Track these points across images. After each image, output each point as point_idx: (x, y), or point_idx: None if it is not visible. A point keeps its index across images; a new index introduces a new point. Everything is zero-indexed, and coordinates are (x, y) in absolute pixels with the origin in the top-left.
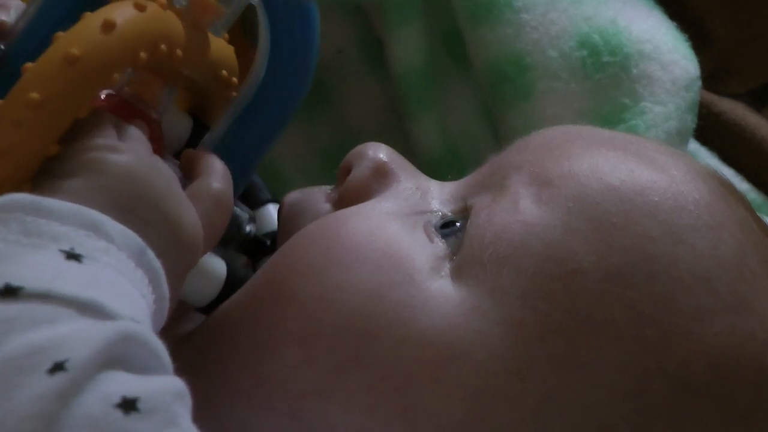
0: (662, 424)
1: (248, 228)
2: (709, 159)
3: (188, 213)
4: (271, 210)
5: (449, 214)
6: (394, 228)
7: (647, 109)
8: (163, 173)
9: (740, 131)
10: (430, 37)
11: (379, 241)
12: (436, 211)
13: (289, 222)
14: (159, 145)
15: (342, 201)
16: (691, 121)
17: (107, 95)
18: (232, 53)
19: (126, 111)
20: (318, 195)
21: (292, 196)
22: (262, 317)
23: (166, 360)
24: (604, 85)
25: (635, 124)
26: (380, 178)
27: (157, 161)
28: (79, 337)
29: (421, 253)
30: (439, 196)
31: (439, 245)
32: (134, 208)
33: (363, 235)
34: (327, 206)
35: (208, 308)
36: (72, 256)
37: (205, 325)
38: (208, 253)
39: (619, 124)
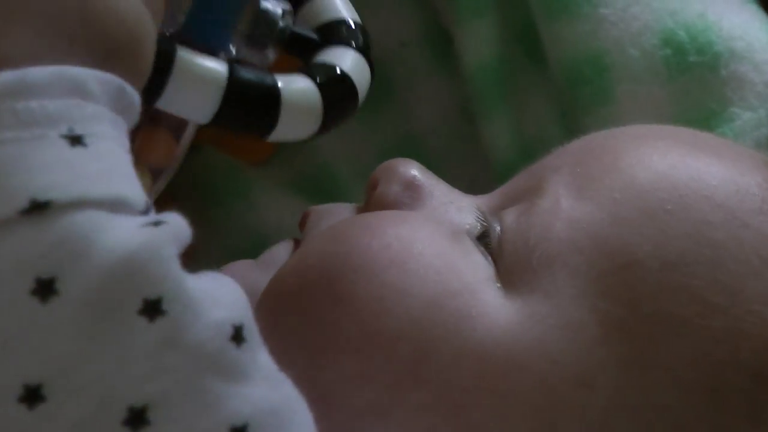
0: (743, 419)
1: (282, 23)
2: None
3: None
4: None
5: (487, 224)
6: (443, 237)
7: (736, 115)
8: None
9: None
10: (504, 30)
11: (437, 247)
12: (474, 224)
13: (314, 227)
14: None
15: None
16: None
17: None
18: None
19: None
20: (345, 208)
21: (317, 207)
22: (318, 316)
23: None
24: (689, 88)
25: (722, 132)
26: (412, 193)
27: None
28: (145, 249)
29: (472, 264)
30: (474, 209)
31: (485, 256)
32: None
33: (421, 239)
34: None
35: (216, 122)
36: (75, 140)
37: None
38: (205, 57)
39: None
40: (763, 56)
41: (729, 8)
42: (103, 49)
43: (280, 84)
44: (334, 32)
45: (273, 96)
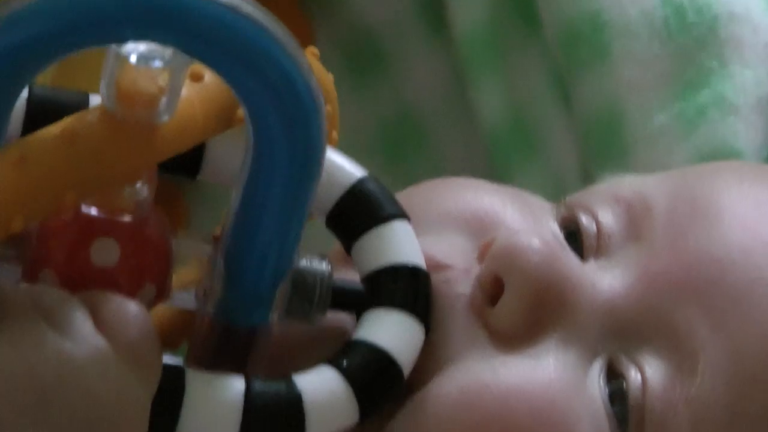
0: None
1: (320, 290)
2: None
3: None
4: (390, 233)
5: (618, 359)
6: (582, 416)
7: (736, 72)
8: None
9: None
10: None
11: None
12: (600, 355)
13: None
14: (148, 249)
15: (495, 332)
16: None
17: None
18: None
19: (90, 228)
20: (465, 300)
21: (436, 280)
22: None
23: None
24: (689, 47)
25: (722, 88)
26: (547, 308)
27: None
28: None
29: None
30: (605, 324)
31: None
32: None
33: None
34: (481, 336)
35: None
36: None
37: None
38: (216, 376)
39: (703, 89)
40: (762, 19)
41: None
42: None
43: (301, 390)
44: (382, 285)
45: (296, 414)
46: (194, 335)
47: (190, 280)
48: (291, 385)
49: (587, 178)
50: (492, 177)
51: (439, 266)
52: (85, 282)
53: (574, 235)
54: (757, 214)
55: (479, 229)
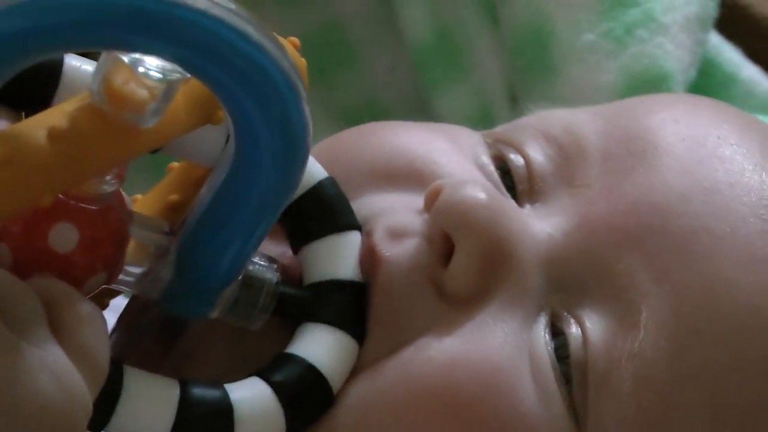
0: None
1: (268, 294)
2: (733, 55)
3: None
4: (341, 245)
5: (560, 315)
6: (526, 379)
7: None
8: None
9: (767, 26)
10: None
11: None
12: (544, 309)
13: (384, 302)
14: (106, 237)
15: (449, 295)
16: (712, 9)
17: None
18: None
19: (53, 211)
20: (418, 268)
21: (389, 256)
22: None
23: None
24: None
25: (651, 7)
26: (495, 268)
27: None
28: None
29: (551, 424)
30: (546, 276)
31: (564, 399)
32: None
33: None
34: (440, 305)
35: None
36: None
37: None
38: (153, 378)
39: (632, 8)
40: None
41: None
42: None
43: (233, 402)
44: (324, 299)
45: (226, 425)
46: (127, 310)
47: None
48: (224, 396)
49: (514, 97)
50: (418, 96)
51: (394, 233)
52: (38, 263)
53: (507, 174)
54: (697, 157)
55: (419, 178)
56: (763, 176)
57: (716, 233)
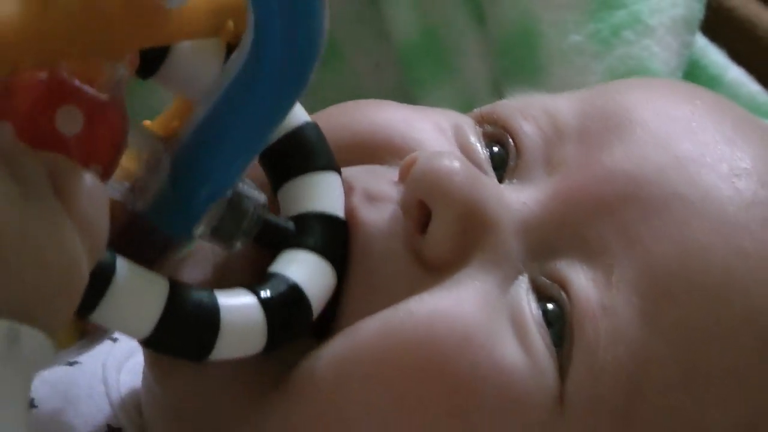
0: None
1: (253, 218)
2: (718, 57)
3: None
4: (319, 183)
5: (541, 281)
6: (507, 336)
7: None
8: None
9: (752, 28)
10: None
11: (500, 372)
12: (522, 273)
13: (363, 265)
14: (108, 131)
15: (427, 262)
16: (698, 11)
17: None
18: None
19: (61, 92)
20: (395, 235)
21: (367, 218)
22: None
23: None
24: None
25: (638, 9)
26: (471, 233)
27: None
28: None
29: (534, 378)
30: (523, 243)
31: (551, 354)
32: None
33: (485, 359)
34: (419, 271)
35: (150, 342)
36: None
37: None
38: (144, 270)
39: (619, 10)
40: None
41: None
42: (18, 304)
43: (221, 303)
44: (303, 230)
45: (212, 324)
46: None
47: (122, 171)
48: (213, 297)
49: (499, 96)
50: (403, 95)
51: (372, 197)
52: (39, 143)
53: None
54: (670, 130)
55: (397, 153)
56: (734, 148)
57: (689, 200)
